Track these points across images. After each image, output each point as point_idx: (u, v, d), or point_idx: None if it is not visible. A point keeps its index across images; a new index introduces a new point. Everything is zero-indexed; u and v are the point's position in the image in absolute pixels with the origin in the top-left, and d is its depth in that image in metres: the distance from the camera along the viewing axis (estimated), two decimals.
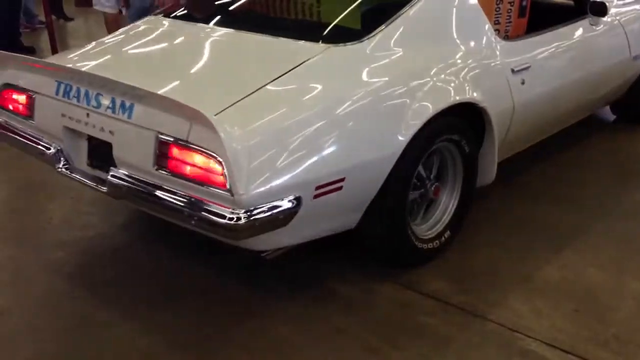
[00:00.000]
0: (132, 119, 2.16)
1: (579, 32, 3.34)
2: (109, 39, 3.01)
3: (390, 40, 2.50)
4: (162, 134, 2.08)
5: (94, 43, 2.97)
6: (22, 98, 2.59)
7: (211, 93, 2.28)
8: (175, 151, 2.05)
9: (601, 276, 2.57)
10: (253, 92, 2.18)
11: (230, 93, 2.19)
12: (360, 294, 2.46)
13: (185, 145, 2.02)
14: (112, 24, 5.20)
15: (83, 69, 2.50)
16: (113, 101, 2.20)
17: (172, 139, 2.06)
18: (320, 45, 2.45)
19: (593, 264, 2.65)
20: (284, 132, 2.06)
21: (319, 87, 2.28)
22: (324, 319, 2.32)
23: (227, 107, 2.09)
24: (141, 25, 3.08)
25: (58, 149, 2.46)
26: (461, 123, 2.55)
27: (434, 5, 2.68)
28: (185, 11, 3.12)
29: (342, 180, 2.14)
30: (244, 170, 1.91)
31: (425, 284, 2.51)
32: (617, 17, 3.62)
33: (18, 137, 2.61)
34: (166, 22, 3.03)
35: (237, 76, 2.41)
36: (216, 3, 3.24)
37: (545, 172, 3.52)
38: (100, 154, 2.32)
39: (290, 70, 2.29)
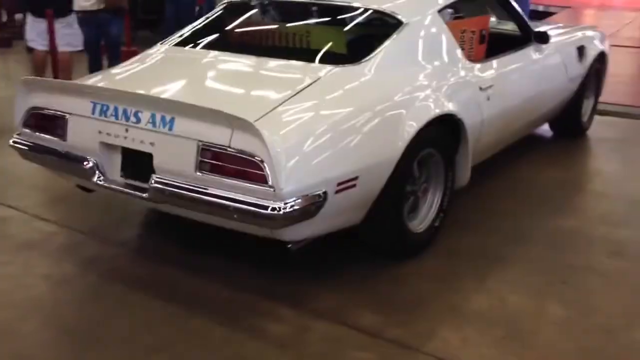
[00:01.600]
0: (173, 131, 2.49)
1: (528, 57, 3.89)
2: (128, 65, 3.33)
3: (384, 62, 2.98)
4: (203, 142, 2.42)
5: (115, 69, 3.35)
6: (52, 120, 2.84)
7: (244, 105, 2.63)
8: (217, 156, 2.40)
9: (524, 302, 2.69)
10: (280, 104, 2.59)
11: (260, 104, 2.59)
12: (293, 332, 2.47)
13: (227, 150, 2.37)
14: (40, 62, 5.43)
15: (121, 90, 2.78)
16: (153, 116, 2.52)
17: (214, 146, 2.40)
18: (327, 67, 2.91)
19: (516, 291, 2.76)
20: (311, 136, 2.45)
21: (333, 100, 2.73)
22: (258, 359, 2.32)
23: (262, 116, 2.47)
24: (155, 52, 3.42)
25: (94, 163, 2.72)
26: (443, 132, 3.00)
27: (416, 34, 3.20)
28: (197, 40, 3.47)
29: (356, 178, 2.54)
30: (283, 168, 2.29)
31: (358, 318, 2.54)
32: (554, 45, 4.10)
33: (49, 156, 2.88)
34: (178, 49, 3.42)
35: (261, 91, 2.87)
36: (226, 34, 3.68)
37: (468, 203, 3.61)
38: (136, 164, 2.65)
39: (307, 86, 2.75)
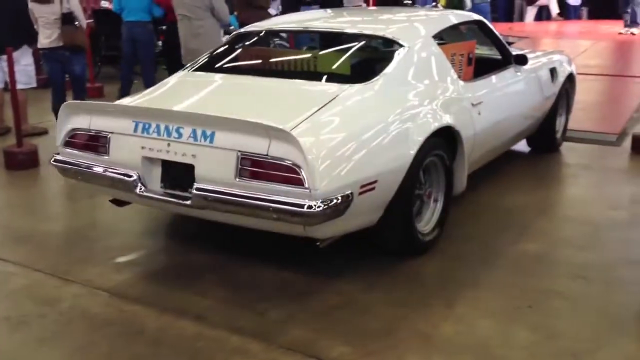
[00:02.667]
0: (213, 144, 2.80)
1: (510, 77, 4.32)
2: (158, 88, 3.69)
3: (391, 81, 3.40)
4: (243, 151, 2.73)
5: (146, 92, 3.67)
6: (93, 139, 3.16)
7: (277, 118, 2.79)
8: (256, 164, 2.72)
9: (492, 327, 2.69)
10: (309, 117, 2.93)
11: (291, 118, 2.89)
12: None
13: (265, 158, 2.68)
14: None
15: (164, 109, 3.09)
16: (194, 131, 2.84)
17: (252, 155, 2.71)
18: (343, 86, 3.26)
19: (484, 316, 2.77)
20: (339, 144, 2.80)
21: (353, 113, 3.10)
22: None
23: (295, 126, 2.80)
24: (181, 76, 3.80)
25: (137, 176, 3.00)
26: (443, 142, 3.34)
27: (416, 56, 3.59)
28: (216, 65, 3.87)
29: (375, 182, 2.87)
30: (318, 171, 2.62)
31: (329, 350, 2.53)
32: (531, 67, 4.53)
33: (91, 172, 3.17)
34: (201, 74, 3.78)
35: (288, 107, 3.17)
36: (241, 59, 4.07)
37: (445, 230, 3.66)
38: (175, 176, 2.96)
39: (329, 102, 3.08)
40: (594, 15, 14.53)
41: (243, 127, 2.75)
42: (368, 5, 11.77)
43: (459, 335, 2.63)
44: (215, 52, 4.04)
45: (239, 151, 2.75)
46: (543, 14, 14.19)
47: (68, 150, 3.26)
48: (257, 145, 2.71)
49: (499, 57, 4.43)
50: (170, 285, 3.08)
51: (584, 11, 14.61)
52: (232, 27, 8.50)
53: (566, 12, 14.23)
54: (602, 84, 7.18)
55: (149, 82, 7.17)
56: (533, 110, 4.62)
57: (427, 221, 3.38)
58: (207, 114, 2.89)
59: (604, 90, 7.03)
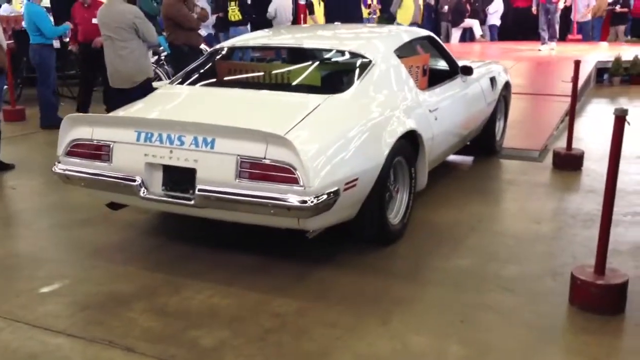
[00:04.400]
0: (214, 149, 3.13)
1: (458, 86, 4.81)
2: (150, 100, 4.03)
3: (363, 90, 3.82)
4: (242, 155, 3.06)
5: (138, 104, 3.97)
6: (96, 148, 3.43)
7: (269, 125, 3.13)
8: (254, 166, 3.05)
9: (426, 343, 2.74)
10: (297, 124, 3.29)
11: (282, 125, 3.23)
12: None
13: (262, 161, 3.02)
14: None
15: (167, 119, 3.42)
16: (195, 139, 3.16)
17: (251, 158, 3.05)
18: (322, 96, 3.69)
19: (418, 333, 2.82)
20: (325, 147, 3.17)
21: (334, 119, 3.47)
22: None
23: (288, 132, 3.16)
24: (169, 90, 4.15)
25: (141, 181, 3.29)
26: (408, 144, 3.78)
27: (382, 70, 4.02)
28: (199, 79, 4.22)
29: (356, 179, 3.25)
30: (311, 170, 2.98)
31: None
32: (475, 76, 5.04)
33: (94, 178, 3.44)
34: (186, 87, 4.14)
35: (277, 115, 3.51)
36: (223, 73, 4.43)
37: (369, 246, 3.71)
38: (176, 179, 3.26)
39: (313, 110, 3.48)
40: (507, 36, 15.21)
41: (242, 134, 3.09)
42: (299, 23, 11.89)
43: (394, 353, 2.64)
44: (196, 66, 4.40)
45: (239, 155, 3.09)
46: (467, 36, 14.75)
47: (70, 159, 3.54)
48: (255, 150, 3.06)
49: (447, 68, 4.95)
50: (96, 316, 2.95)
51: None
52: (161, 48, 8.39)
53: (489, 33, 14.83)
54: (525, 103, 7.49)
55: (43, 103, 7.11)
56: (478, 115, 5.15)
57: (395, 213, 3.80)
58: (207, 122, 3.20)
59: (527, 108, 7.33)
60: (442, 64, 5.06)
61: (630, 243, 3.74)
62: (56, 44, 7.42)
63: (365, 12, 14.55)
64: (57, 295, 3.18)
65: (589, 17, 13.73)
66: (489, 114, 5.38)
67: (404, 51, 4.46)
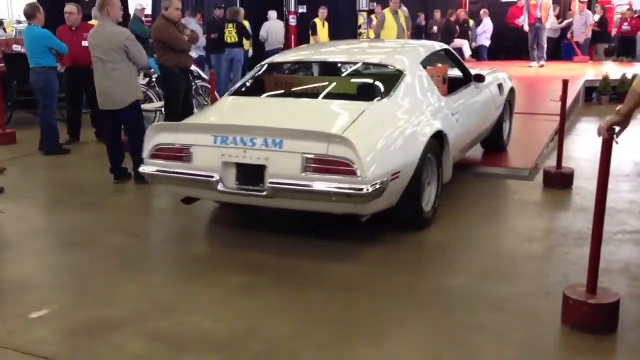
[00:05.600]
0: (282, 149, 3.69)
1: (473, 92, 5.44)
2: (216, 108, 4.72)
3: (397, 98, 4.41)
4: (306, 153, 3.64)
5: (203, 113, 4.86)
6: (178, 151, 3.99)
7: (328, 127, 3.84)
8: (317, 161, 3.63)
9: None
10: (350, 125, 3.90)
11: (339, 127, 3.88)
12: None
13: (325, 157, 3.60)
14: None
15: (240, 125, 3.94)
16: (265, 140, 3.73)
17: (314, 155, 3.62)
18: (366, 102, 4.30)
19: (411, 355, 2.83)
20: (375, 145, 3.78)
21: (380, 121, 4.09)
22: None
23: (343, 132, 3.76)
24: (231, 100, 4.75)
25: (219, 177, 3.84)
26: (436, 142, 4.36)
27: (412, 79, 4.61)
28: (255, 90, 4.88)
29: (399, 172, 3.85)
30: (366, 164, 3.57)
31: None
32: (486, 83, 5.65)
33: (176, 176, 4.01)
34: (243, 98, 4.79)
35: (330, 119, 4.11)
36: (276, 85, 5.03)
37: (356, 267, 3.72)
38: (248, 175, 3.82)
39: (362, 113, 4.09)
40: (500, 54, 15.39)
41: (306, 135, 3.69)
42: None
43: None
44: (249, 79, 5.01)
45: (303, 153, 3.64)
46: None
47: (154, 161, 4.11)
48: (318, 148, 3.62)
49: (461, 76, 5.61)
50: (85, 342, 2.91)
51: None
52: (152, 70, 8.41)
53: (478, 53, 15.00)
54: (516, 122, 7.53)
55: (46, 128, 7.03)
56: (489, 118, 5.79)
57: (427, 202, 4.36)
58: (276, 126, 3.78)
59: (517, 127, 7.37)
60: (457, 73, 5.66)
61: (622, 261, 3.74)
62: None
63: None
64: (45, 321, 3.14)
65: (587, 36, 13.92)
66: (498, 116, 6.03)
67: (427, 62, 5.07)
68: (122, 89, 5.65)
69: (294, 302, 3.30)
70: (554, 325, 3.01)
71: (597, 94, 10.20)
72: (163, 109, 7.22)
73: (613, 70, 11.22)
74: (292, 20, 15.34)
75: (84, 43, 7.25)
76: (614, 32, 15.51)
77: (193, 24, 9.91)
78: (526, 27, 12.91)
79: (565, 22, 14.42)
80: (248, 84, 4.94)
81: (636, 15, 15.60)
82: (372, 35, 11.87)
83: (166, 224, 4.83)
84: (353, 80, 4.97)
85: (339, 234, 4.34)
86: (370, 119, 4.06)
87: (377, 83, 4.78)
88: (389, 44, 6.26)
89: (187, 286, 3.53)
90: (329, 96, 4.64)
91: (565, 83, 5.38)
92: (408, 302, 3.30)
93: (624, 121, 2.72)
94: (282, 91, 4.90)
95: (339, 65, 5.31)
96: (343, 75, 5.13)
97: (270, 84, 5.04)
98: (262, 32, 12.52)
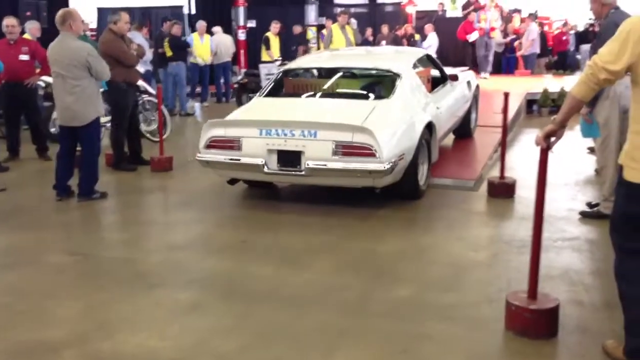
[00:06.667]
0: (317, 138, 4.80)
1: (449, 89, 6.68)
2: (252, 106, 5.80)
3: (399, 96, 5.50)
4: (336, 141, 4.75)
5: (246, 110, 5.75)
6: (229, 142, 5.05)
7: (348, 120, 4.91)
8: (344, 147, 4.74)
9: None
10: (366, 118, 4.96)
11: (359, 120, 4.92)
12: None
13: (351, 143, 4.72)
14: None
15: (276, 119, 5.11)
16: (303, 131, 4.83)
17: (342, 142, 4.73)
18: (375, 100, 5.52)
19: None
20: (387, 133, 4.84)
21: (388, 115, 5.20)
22: None
23: (362, 122, 4.85)
24: (261, 100, 5.87)
25: (264, 162, 4.93)
26: (427, 130, 5.40)
27: (407, 81, 5.69)
28: (278, 91, 6.09)
29: (404, 154, 4.93)
30: (383, 148, 4.66)
31: None
32: (458, 81, 6.94)
33: (228, 163, 5.08)
34: (272, 98, 5.92)
35: (349, 114, 5.14)
36: (295, 87, 6.22)
37: (302, 284, 3.71)
38: (288, 159, 4.90)
39: (373, 109, 5.20)
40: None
41: (336, 126, 4.82)
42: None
43: None
44: (273, 83, 6.07)
45: (334, 141, 4.75)
46: None
47: (209, 150, 5.13)
48: (345, 136, 4.75)
49: (439, 76, 6.77)
50: None
51: None
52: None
53: None
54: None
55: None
56: (462, 109, 7.05)
57: (421, 178, 5.38)
58: (312, 120, 4.93)
59: (463, 139, 7.56)
60: (436, 74, 6.80)
61: (561, 268, 3.86)
62: None
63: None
64: None
65: (532, 50, 14.42)
66: (467, 108, 7.30)
67: (416, 66, 6.20)
68: (84, 105, 5.49)
69: (243, 317, 3.27)
70: (498, 332, 3.07)
71: (538, 107, 10.55)
72: (109, 124, 7.07)
73: (552, 83, 11.63)
74: (242, 35, 15.33)
75: (22, 57, 7.06)
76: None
77: (139, 38, 9.75)
78: (472, 38, 13.45)
79: (509, 38, 14.91)
80: (273, 87, 6.03)
81: (572, 30, 16.26)
82: (322, 49, 12.04)
83: (109, 241, 4.72)
84: (360, 82, 6.16)
85: (292, 244, 4.33)
86: (380, 113, 5.13)
87: (381, 85, 6.01)
88: (385, 51, 8.27)
89: (131, 304, 3.44)
90: (343, 96, 5.80)
91: (506, 96, 5.55)
92: (358, 313, 3.31)
93: (560, 130, 2.82)
94: (302, 92, 6.01)
95: (346, 70, 6.33)
96: (355, 79, 6.27)
97: (289, 87, 6.18)
98: (212, 46, 12.49)
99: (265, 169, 4.93)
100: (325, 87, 6.04)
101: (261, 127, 4.94)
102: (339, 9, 15.11)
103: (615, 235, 2.69)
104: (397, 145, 4.83)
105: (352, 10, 14.85)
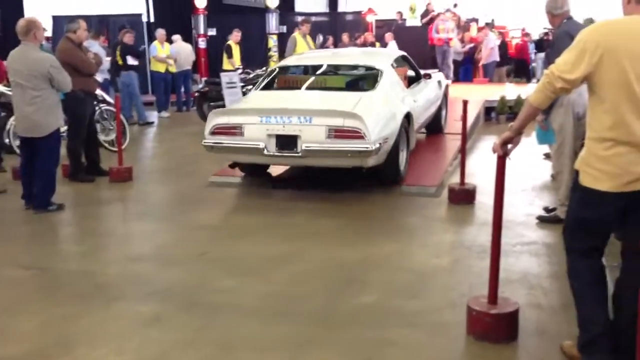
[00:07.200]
0: (311, 123, 5.39)
1: (423, 86, 7.44)
2: (253, 97, 6.48)
3: (381, 89, 6.17)
4: (329, 125, 5.34)
5: (248, 100, 6.48)
6: (232, 128, 5.66)
7: (339, 107, 5.53)
8: (336, 131, 5.34)
9: None
10: (355, 106, 5.57)
11: (349, 107, 5.53)
12: None
13: (342, 127, 5.32)
14: None
15: (279, 107, 5.73)
16: (299, 117, 5.43)
17: (335, 126, 5.33)
18: (361, 92, 6.18)
19: None
20: (373, 119, 5.42)
21: (374, 104, 5.83)
22: None
23: (351, 109, 5.46)
24: (259, 93, 6.54)
25: (264, 145, 5.50)
26: (406, 120, 6.06)
27: (388, 76, 6.39)
28: (274, 85, 6.80)
29: (387, 139, 5.54)
30: (371, 131, 5.27)
31: None
32: (431, 80, 7.77)
33: (232, 146, 5.68)
34: (269, 91, 6.63)
35: (340, 103, 5.71)
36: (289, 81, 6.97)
37: (265, 294, 3.69)
38: (286, 143, 5.49)
39: (359, 100, 5.79)
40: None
41: (329, 113, 5.44)
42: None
43: None
44: (268, 78, 6.72)
45: (327, 125, 5.35)
46: None
47: (214, 136, 5.70)
48: (336, 122, 5.35)
49: (414, 75, 7.59)
50: None
51: None
52: None
53: None
54: (424, 141, 7.86)
55: None
56: (434, 105, 7.78)
57: (402, 162, 6.02)
58: (307, 108, 5.59)
59: (424, 146, 7.66)
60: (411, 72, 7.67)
61: (520, 272, 3.94)
62: None
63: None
64: None
65: (492, 59, 14.72)
66: (438, 105, 8.07)
67: (395, 64, 6.90)
68: (44, 116, 5.35)
69: (205, 329, 3.22)
70: (460, 337, 3.11)
71: (496, 114, 10.77)
72: (66, 134, 6.91)
73: (510, 91, 11.89)
74: (202, 43, 15.21)
75: None
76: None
77: (96, 46, 9.58)
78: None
79: (467, 46, 15.19)
80: (268, 82, 6.68)
81: (527, 39, 16.65)
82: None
83: (66, 254, 4.60)
84: (347, 78, 6.92)
85: (254, 254, 4.30)
86: (366, 103, 5.75)
87: (365, 79, 6.75)
88: (368, 51, 9.25)
89: (90, 319, 3.36)
90: (333, 89, 6.54)
91: (465, 104, 5.65)
92: (323, 322, 3.30)
93: (516, 137, 2.88)
94: (294, 86, 6.69)
95: (339, 67, 7.22)
96: (343, 73, 7.06)
97: (283, 81, 6.85)
98: (172, 52, 12.36)
99: (265, 152, 5.50)
100: (316, 81, 6.78)
101: (262, 115, 5.53)
102: (300, 18, 15.17)
103: (567, 237, 2.77)
104: (382, 129, 5.44)
105: (313, 18, 14.89)
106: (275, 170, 6.65)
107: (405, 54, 7.76)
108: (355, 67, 7.04)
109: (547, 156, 6.80)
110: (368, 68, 6.71)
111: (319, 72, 7.01)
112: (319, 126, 5.33)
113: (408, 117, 6.13)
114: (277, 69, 6.96)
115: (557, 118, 4.60)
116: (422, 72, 7.67)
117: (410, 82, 7.24)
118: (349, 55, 7.81)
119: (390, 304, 3.52)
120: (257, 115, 5.55)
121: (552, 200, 5.38)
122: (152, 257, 4.37)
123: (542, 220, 4.96)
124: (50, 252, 4.60)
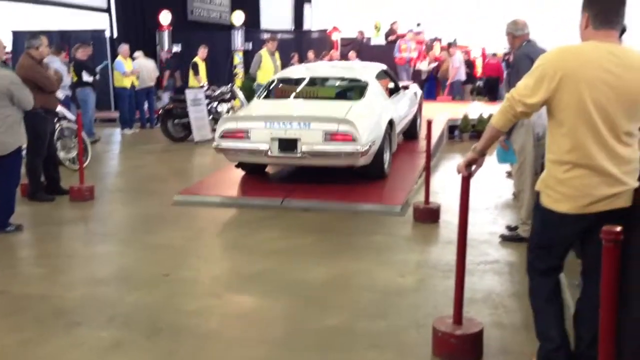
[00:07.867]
0: (310, 128, 6.29)
1: (402, 96, 8.41)
2: (257, 104, 7.37)
3: (368, 99, 7.13)
4: (325, 130, 6.25)
5: (247, 109, 7.52)
6: (240, 132, 6.51)
7: (333, 114, 6.47)
8: (332, 135, 6.25)
9: None
10: (347, 112, 6.52)
11: (341, 113, 6.47)
12: None
13: (336, 132, 6.26)
14: None
15: (278, 114, 6.67)
16: (299, 123, 6.31)
17: (331, 131, 6.25)
18: (351, 101, 7.12)
19: None
20: (364, 125, 6.36)
21: (363, 111, 6.75)
22: None
23: (344, 116, 6.40)
24: (260, 101, 7.47)
25: (268, 147, 6.34)
26: (389, 125, 6.98)
27: (373, 88, 7.35)
28: (274, 94, 7.74)
29: (374, 142, 6.45)
30: (361, 135, 6.22)
31: None
32: (408, 90, 8.87)
33: (239, 148, 6.56)
34: (271, 100, 7.58)
35: (335, 110, 6.61)
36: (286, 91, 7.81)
37: (225, 319, 3.65)
38: (287, 145, 6.32)
39: (350, 108, 6.70)
40: None
41: (325, 119, 6.28)
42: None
43: None
44: (268, 89, 7.63)
45: (323, 130, 6.18)
46: None
47: (223, 140, 6.53)
48: (332, 127, 6.20)
49: (393, 86, 8.42)
50: None
51: None
52: None
53: None
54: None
55: None
56: (411, 113, 8.81)
57: (386, 162, 6.91)
58: (306, 115, 6.40)
59: (391, 165, 7.72)
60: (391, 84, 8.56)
61: (484, 291, 3.98)
62: None
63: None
64: None
65: (458, 77, 14.98)
66: (415, 114, 9.10)
67: (378, 77, 7.80)
68: (5, 134, 5.21)
69: (168, 354, 3.16)
70: (426, 357, 3.12)
71: (459, 132, 10.94)
72: (25, 152, 6.75)
73: (473, 109, 12.10)
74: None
75: None
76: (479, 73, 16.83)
77: (57, 62, 9.40)
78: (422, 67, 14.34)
79: (432, 65, 15.45)
80: (267, 92, 7.57)
81: (496, 59, 16.89)
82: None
83: (24, 276, 4.47)
84: (337, 88, 7.81)
85: (217, 276, 4.25)
86: (356, 110, 6.59)
87: (353, 90, 7.60)
88: (354, 65, 9.97)
89: (49, 344, 3.26)
90: (326, 98, 7.42)
91: (429, 123, 5.71)
92: (287, 346, 3.27)
93: (480, 158, 2.92)
94: (291, 96, 7.50)
95: (330, 79, 8.12)
96: (329, 85, 7.96)
97: (279, 91, 7.72)
98: (135, 67, 12.24)
99: (269, 153, 6.32)
100: (310, 91, 7.68)
101: (266, 121, 6.37)
102: (266, 35, 15.21)
103: (531, 256, 2.83)
104: (370, 134, 6.30)
105: (279, 36, 14.94)
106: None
107: (386, 67, 8.58)
108: (344, 79, 7.92)
109: (510, 174, 6.93)
110: (355, 80, 7.65)
111: (312, 83, 7.86)
112: (317, 130, 6.16)
113: (391, 123, 7.01)
114: (276, 80, 7.87)
115: (518, 139, 4.70)
116: (400, 84, 8.61)
117: (391, 92, 8.05)
118: (338, 68, 8.75)
119: (356, 325, 3.51)
120: (262, 121, 6.40)
121: (515, 219, 5.46)
122: (114, 280, 4.28)
123: (504, 239, 5.04)
124: (7, 275, 4.46)
